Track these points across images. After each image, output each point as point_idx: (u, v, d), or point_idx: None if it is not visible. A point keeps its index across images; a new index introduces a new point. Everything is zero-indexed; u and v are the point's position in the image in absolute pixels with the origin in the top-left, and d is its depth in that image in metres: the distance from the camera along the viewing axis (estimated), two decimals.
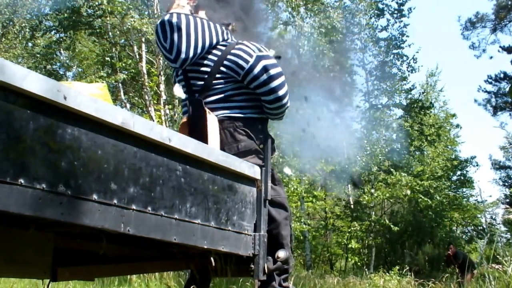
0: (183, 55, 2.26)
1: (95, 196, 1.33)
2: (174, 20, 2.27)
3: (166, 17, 2.31)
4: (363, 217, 16.41)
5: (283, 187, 2.45)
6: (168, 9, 2.40)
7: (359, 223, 16.22)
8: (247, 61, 2.26)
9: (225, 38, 2.35)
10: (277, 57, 2.43)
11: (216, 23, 2.37)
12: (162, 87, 11.66)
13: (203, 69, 2.30)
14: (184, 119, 2.36)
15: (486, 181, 41.54)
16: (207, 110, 2.23)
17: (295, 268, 12.16)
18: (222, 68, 2.28)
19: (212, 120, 2.21)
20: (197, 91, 2.32)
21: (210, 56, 2.30)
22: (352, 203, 17.10)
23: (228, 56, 2.28)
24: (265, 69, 2.25)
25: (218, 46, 2.31)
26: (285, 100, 2.35)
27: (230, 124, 2.26)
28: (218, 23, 2.39)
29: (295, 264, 13.54)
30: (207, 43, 2.28)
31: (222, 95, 2.29)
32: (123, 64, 11.90)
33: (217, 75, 2.28)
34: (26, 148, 1.17)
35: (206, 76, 2.29)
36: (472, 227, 22.05)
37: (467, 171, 21.47)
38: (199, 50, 2.27)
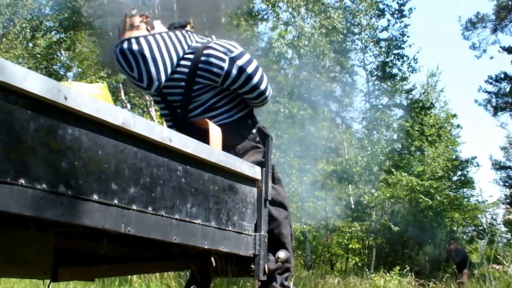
0: (156, 82, 2.17)
1: (95, 197, 1.33)
2: (135, 47, 2.13)
3: (125, 45, 2.14)
4: (364, 217, 16.40)
5: (283, 187, 2.45)
6: (123, 33, 2.23)
7: (360, 223, 16.21)
8: (221, 67, 2.18)
9: (189, 44, 2.26)
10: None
11: (175, 29, 2.28)
12: None
13: (178, 83, 2.23)
14: None
15: (487, 181, 41.51)
16: (208, 121, 2.18)
17: (295, 269, 12.15)
18: (197, 79, 2.21)
19: (211, 126, 2.18)
20: (178, 106, 2.27)
21: (181, 69, 2.22)
22: (352, 203, 17.09)
23: (200, 65, 2.19)
24: (242, 69, 2.20)
25: (186, 56, 2.23)
26: (268, 92, 2.32)
27: (222, 131, 2.21)
28: (177, 27, 2.31)
29: (295, 265, 13.53)
30: (175, 60, 2.20)
31: (206, 106, 2.25)
32: None
33: (195, 87, 2.22)
34: (26, 149, 1.17)
35: (183, 91, 2.23)
36: (473, 228, 22.04)
37: (467, 171, 21.45)
38: (169, 70, 2.19)
